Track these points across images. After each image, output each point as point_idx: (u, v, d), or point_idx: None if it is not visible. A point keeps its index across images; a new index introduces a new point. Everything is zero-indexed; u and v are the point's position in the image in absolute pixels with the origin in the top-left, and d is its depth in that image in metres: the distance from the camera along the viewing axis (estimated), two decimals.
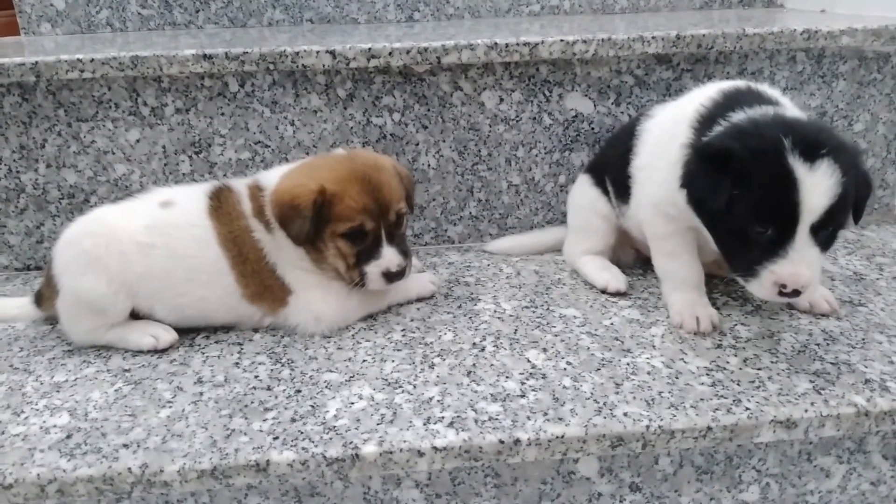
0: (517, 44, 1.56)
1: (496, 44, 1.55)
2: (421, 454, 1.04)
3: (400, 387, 1.17)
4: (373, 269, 1.30)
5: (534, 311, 1.40)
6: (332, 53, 1.53)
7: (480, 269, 1.62)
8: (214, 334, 1.38)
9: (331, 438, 1.05)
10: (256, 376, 1.22)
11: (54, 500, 1.05)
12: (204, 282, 1.31)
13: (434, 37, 1.68)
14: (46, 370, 1.28)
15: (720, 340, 1.28)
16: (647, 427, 1.06)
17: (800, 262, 1.07)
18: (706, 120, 1.21)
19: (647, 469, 1.14)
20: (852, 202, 1.10)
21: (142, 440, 1.07)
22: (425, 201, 1.73)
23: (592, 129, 1.70)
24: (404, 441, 1.04)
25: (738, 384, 1.15)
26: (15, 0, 2.13)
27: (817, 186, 1.04)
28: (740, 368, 1.19)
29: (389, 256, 1.29)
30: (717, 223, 1.16)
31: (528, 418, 1.08)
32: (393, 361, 1.25)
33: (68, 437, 1.09)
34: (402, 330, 1.36)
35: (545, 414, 1.09)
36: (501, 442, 1.05)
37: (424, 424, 1.08)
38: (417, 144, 1.68)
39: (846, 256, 1.61)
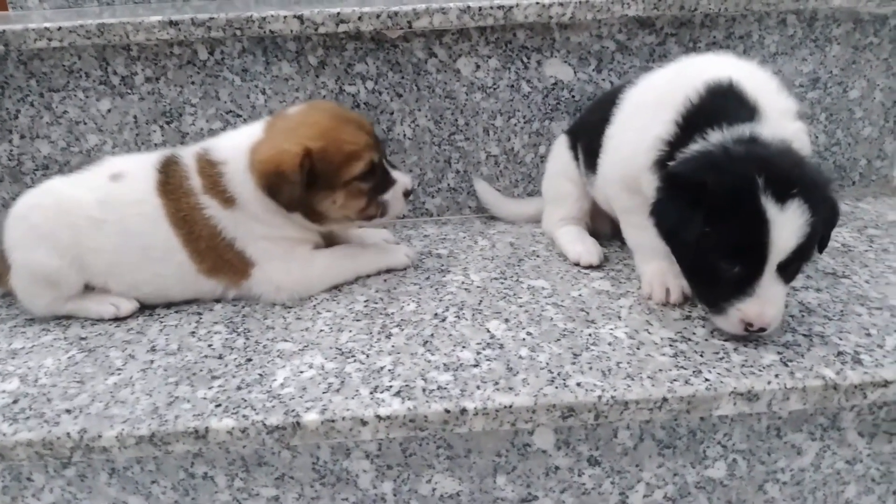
0: (490, 7, 1.50)
1: (469, 7, 1.50)
2: (364, 423, 1.01)
3: (353, 356, 1.15)
4: (392, 195, 1.32)
5: (502, 283, 1.36)
6: (300, 18, 1.49)
7: (455, 241, 1.58)
8: (176, 304, 1.36)
9: (273, 406, 1.03)
10: (210, 345, 1.20)
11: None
12: (158, 258, 1.29)
13: (414, 2, 1.63)
14: (6, 338, 1.27)
15: (689, 311, 1.23)
16: (600, 397, 1.02)
17: (766, 301, 1.06)
18: (688, 125, 1.15)
19: (605, 442, 1.10)
20: (819, 237, 1.08)
21: (85, 406, 1.06)
22: None
23: (573, 96, 1.64)
24: (347, 409, 1.01)
25: (702, 355, 1.10)
26: None
27: (787, 227, 1.02)
28: (706, 339, 1.14)
29: (403, 178, 1.33)
30: (685, 255, 1.14)
31: (478, 388, 1.05)
32: (350, 331, 1.22)
33: (14, 402, 1.08)
34: (365, 300, 1.33)
35: (496, 384, 1.05)
36: (447, 411, 1.01)
37: (371, 393, 1.05)
38: (392, 113, 1.64)
39: (836, 228, 1.54)
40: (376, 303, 1.32)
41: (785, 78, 1.64)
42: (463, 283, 1.38)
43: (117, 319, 1.31)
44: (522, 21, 1.52)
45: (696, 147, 1.12)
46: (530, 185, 1.72)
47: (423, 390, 1.05)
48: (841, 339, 1.13)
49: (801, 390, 1.03)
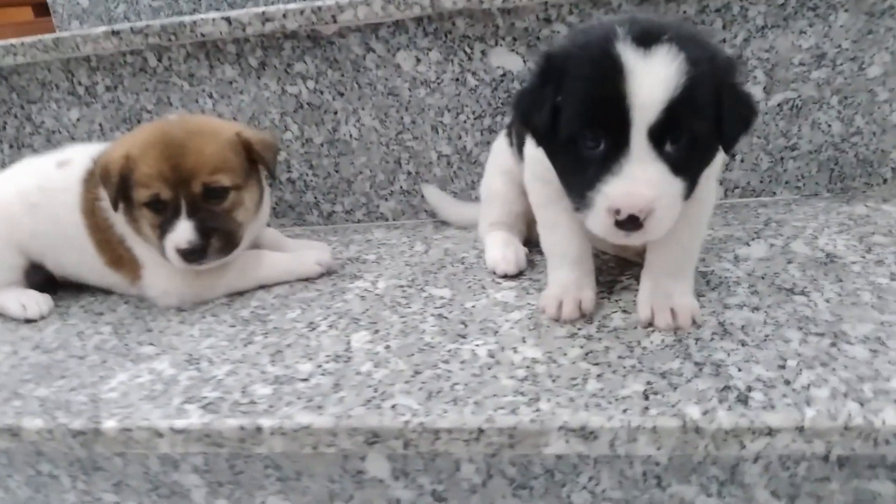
0: None
1: None
2: (160, 435, 0.95)
3: (197, 364, 1.09)
4: (167, 244, 1.21)
5: (404, 291, 1.25)
6: (228, 20, 1.47)
7: (392, 246, 1.48)
8: (96, 299, 1.39)
9: (85, 410, 1.00)
10: (84, 345, 1.21)
11: None
12: (77, 246, 1.34)
13: None
14: None
15: (579, 328, 1.05)
16: (407, 423, 0.89)
17: (635, 179, 0.83)
18: None
19: (448, 476, 0.96)
20: (711, 107, 0.84)
21: None
22: (352, 174, 1.62)
23: None
24: (144, 419, 0.96)
25: (554, 381, 0.93)
26: (49, 1, 2.32)
27: (651, 75, 0.81)
28: (573, 363, 0.96)
29: (180, 232, 1.19)
30: (550, 147, 0.93)
31: (288, 404, 0.95)
32: (216, 338, 1.17)
33: None
34: (256, 306, 1.27)
35: (310, 401, 0.95)
36: (242, 428, 0.93)
37: (182, 404, 0.99)
38: (336, 113, 1.57)
39: (834, 235, 1.26)
40: (265, 308, 1.26)
41: (781, 56, 1.38)
42: (365, 290, 1.28)
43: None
44: (452, 7, 1.40)
45: None
46: None
47: (234, 403, 0.97)
48: (740, 371, 0.90)
49: (652, 431, 0.84)
